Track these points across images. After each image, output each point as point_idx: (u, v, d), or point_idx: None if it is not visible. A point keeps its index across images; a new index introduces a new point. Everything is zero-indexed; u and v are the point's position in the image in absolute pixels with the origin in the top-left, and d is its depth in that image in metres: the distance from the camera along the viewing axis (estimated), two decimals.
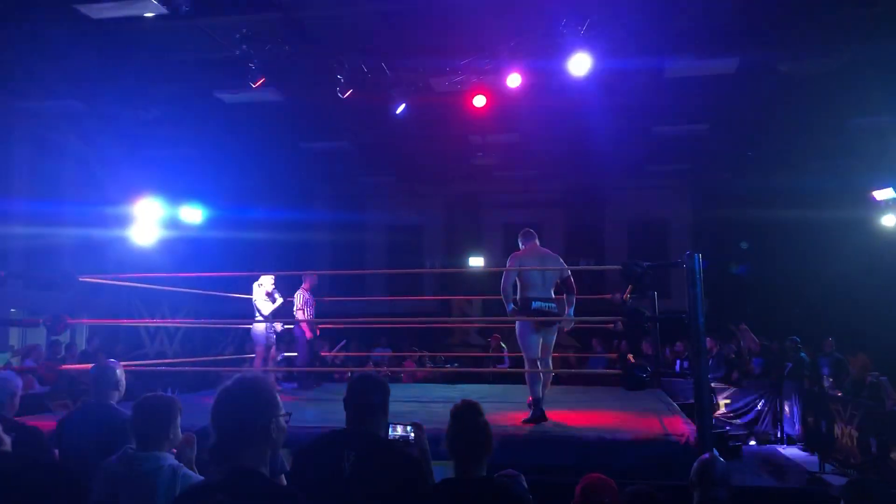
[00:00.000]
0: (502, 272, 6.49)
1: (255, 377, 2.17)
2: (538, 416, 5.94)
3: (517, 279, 6.36)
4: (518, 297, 6.34)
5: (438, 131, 13.11)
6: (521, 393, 7.46)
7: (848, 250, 13.13)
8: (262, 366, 9.01)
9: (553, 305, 6.38)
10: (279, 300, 9.15)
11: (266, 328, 9.02)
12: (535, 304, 6.23)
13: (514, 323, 6.45)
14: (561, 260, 6.63)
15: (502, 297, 6.35)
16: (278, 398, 2.17)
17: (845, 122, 11.98)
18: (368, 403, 2.92)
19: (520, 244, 6.75)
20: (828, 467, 9.02)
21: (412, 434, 3.11)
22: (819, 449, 9.42)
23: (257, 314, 9.04)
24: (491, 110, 10.87)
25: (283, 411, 2.15)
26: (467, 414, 2.88)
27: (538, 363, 6.36)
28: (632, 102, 11.76)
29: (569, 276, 6.54)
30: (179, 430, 3.10)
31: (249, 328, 9.30)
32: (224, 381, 2.15)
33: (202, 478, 2.86)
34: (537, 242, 6.74)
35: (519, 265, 6.40)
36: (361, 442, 2.82)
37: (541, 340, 6.37)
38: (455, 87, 10.45)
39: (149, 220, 12.29)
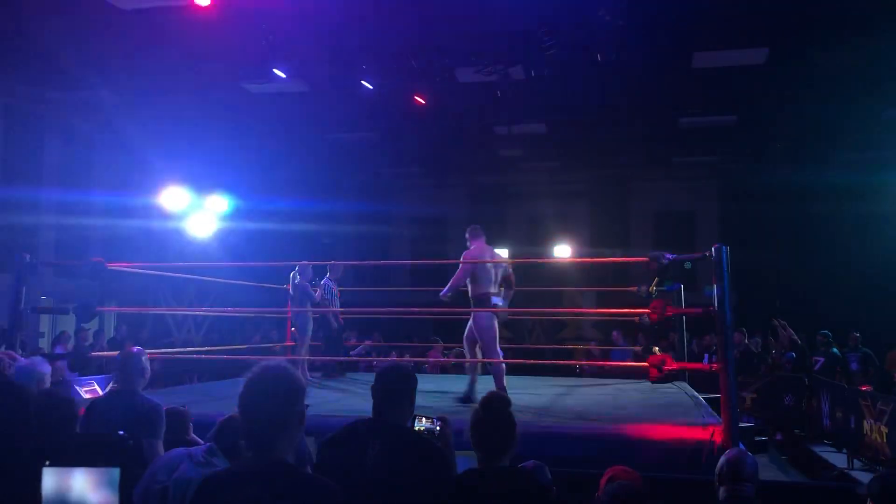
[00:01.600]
0: (513, 264, 6.82)
1: (281, 364, 2.16)
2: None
3: (472, 275, 6.67)
4: (474, 292, 6.66)
5: (464, 122, 13.09)
6: (532, 384, 7.48)
7: (879, 244, 12.93)
8: (305, 354, 9.05)
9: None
10: (318, 290, 9.21)
11: (309, 317, 9.08)
12: (494, 300, 6.62)
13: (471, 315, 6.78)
14: (503, 257, 7.05)
15: (449, 288, 6.75)
16: (304, 385, 2.17)
17: (878, 115, 11.77)
18: (396, 393, 2.92)
19: (470, 243, 6.96)
20: (856, 463, 8.90)
21: (438, 427, 3.11)
22: (847, 445, 9.29)
23: (307, 303, 9.00)
24: (517, 101, 10.83)
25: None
26: (497, 405, 2.88)
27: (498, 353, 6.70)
28: (659, 93, 11.67)
29: (511, 273, 6.89)
30: None
31: (277, 317, 9.33)
32: (250, 369, 2.15)
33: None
34: (484, 241, 6.98)
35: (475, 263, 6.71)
36: (386, 432, 2.82)
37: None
38: (481, 78, 10.42)
39: (180, 210, 12.47)
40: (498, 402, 2.90)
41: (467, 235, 7.02)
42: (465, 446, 2.97)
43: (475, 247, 6.88)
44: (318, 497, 2.01)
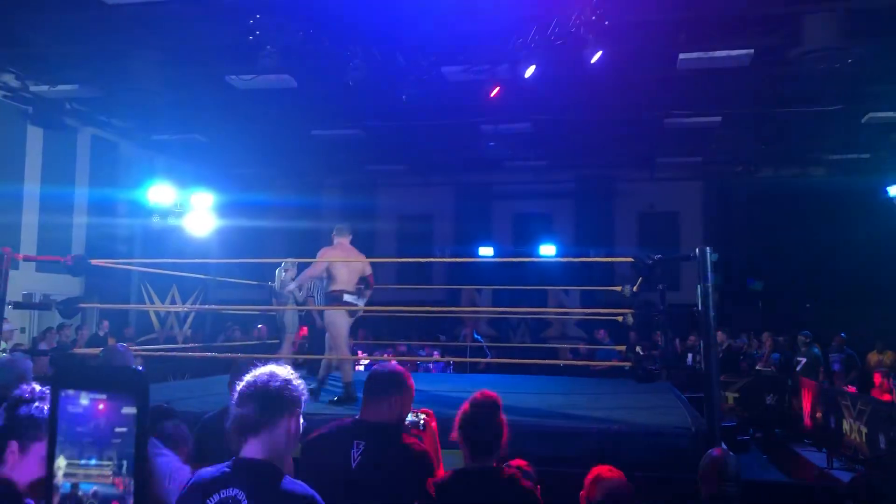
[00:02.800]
0: (511, 262, 6.71)
1: (278, 367, 2.25)
2: (350, 396, 6.46)
3: (325, 273, 7.00)
4: (329, 289, 6.96)
5: (450, 120, 13.08)
6: (517, 383, 7.48)
7: (862, 246, 13.07)
8: (291, 352, 9.03)
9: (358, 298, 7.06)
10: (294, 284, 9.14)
11: (294, 314, 9.04)
12: (347, 297, 6.89)
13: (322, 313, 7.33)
14: (363, 257, 7.22)
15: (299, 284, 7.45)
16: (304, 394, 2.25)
17: (862, 117, 11.88)
18: (383, 393, 2.92)
19: (334, 240, 7.20)
20: (836, 462, 9.00)
21: (422, 421, 3.11)
22: (827, 444, 9.39)
23: (289, 300, 8.98)
24: (503, 100, 10.83)
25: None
26: (486, 406, 2.88)
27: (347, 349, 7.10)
28: (644, 93, 11.70)
29: (370, 274, 7.18)
30: None
31: (258, 313, 9.30)
32: (245, 366, 2.20)
33: None
34: (348, 241, 7.21)
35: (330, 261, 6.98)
36: (372, 432, 2.82)
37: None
38: (468, 76, 10.42)
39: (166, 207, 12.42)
40: (488, 403, 2.90)
41: (333, 233, 7.24)
42: (451, 444, 2.97)
43: (337, 245, 7.14)
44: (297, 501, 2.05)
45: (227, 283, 9.65)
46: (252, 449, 2.10)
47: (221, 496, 1.96)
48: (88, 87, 11.56)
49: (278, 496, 2.02)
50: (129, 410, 1.27)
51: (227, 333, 13.66)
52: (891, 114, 11.65)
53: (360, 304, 7.07)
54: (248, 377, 2.20)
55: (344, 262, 6.95)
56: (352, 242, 7.27)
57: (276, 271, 9.13)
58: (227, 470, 2.08)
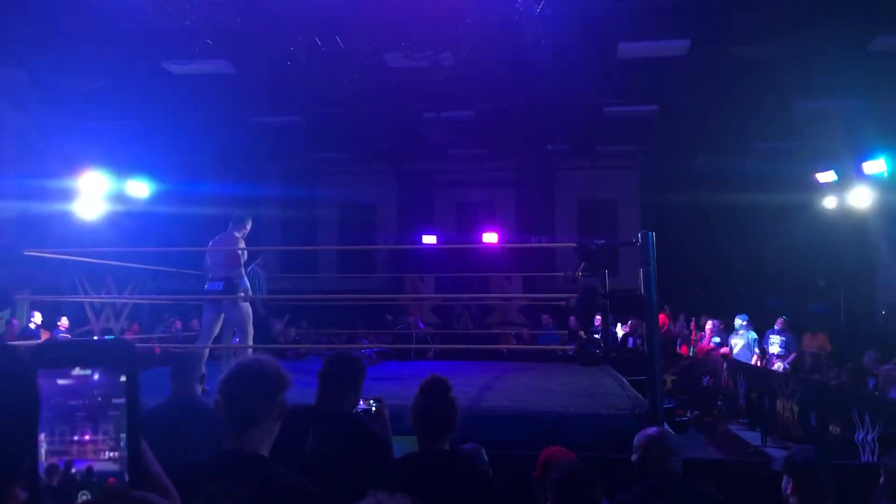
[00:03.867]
0: (454, 249, 6.73)
1: (264, 358, 2.21)
2: None
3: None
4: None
5: (392, 107, 13.01)
6: (462, 369, 7.53)
7: (792, 231, 13.52)
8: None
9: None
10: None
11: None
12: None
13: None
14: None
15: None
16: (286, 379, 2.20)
17: (792, 106, 12.25)
18: (342, 380, 2.92)
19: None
20: (769, 440, 9.32)
21: (374, 407, 3.12)
22: (761, 423, 9.72)
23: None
24: (445, 87, 10.83)
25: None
26: (436, 389, 2.89)
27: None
28: (583, 82, 11.84)
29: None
30: None
31: (200, 305, 9.10)
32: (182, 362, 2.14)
33: None
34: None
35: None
36: (328, 419, 2.81)
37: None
38: (410, 63, 10.37)
39: (94, 194, 12.02)
40: (437, 386, 2.92)
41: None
42: (404, 431, 2.98)
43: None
44: (290, 491, 2.02)
45: (162, 273, 9.42)
46: (242, 440, 2.06)
47: (212, 488, 1.90)
48: (15, 70, 11.12)
49: (272, 487, 1.98)
50: (123, 380, 1.21)
51: (165, 325, 13.38)
52: (820, 103, 12.05)
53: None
54: (236, 367, 2.16)
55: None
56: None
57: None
58: (215, 462, 2.05)
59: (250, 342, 7.06)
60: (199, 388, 3.99)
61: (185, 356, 4.57)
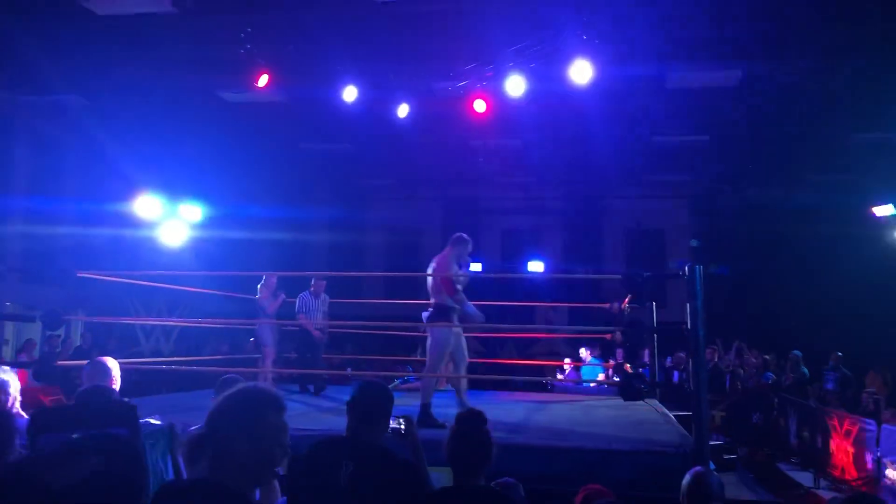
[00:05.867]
0: (499, 278, 6.58)
1: (258, 388, 2.06)
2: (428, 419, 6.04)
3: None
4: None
5: (440, 135, 13.11)
6: (504, 400, 7.46)
7: (847, 266, 13.14)
8: (272, 366, 8.97)
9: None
10: (280, 298, 9.12)
11: (272, 328, 8.98)
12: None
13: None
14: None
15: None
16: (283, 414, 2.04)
17: (847, 138, 11.99)
18: (372, 411, 2.90)
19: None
20: (822, 482, 9.01)
21: (403, 427, 3.08)
22: (814, 464, 9.40)
23: (262, 314, 8.96)
24: (493, 115, 10.88)
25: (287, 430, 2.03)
26: (472, 423, 2.86)
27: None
28: (633, 111, 11.79)
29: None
30: None
31: (249, 328, 9.23)
32: (224, 385, 2.08)
33: None
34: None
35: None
36: (361, 450, 2.79)
37: None
38: (458, 92, 10.46)
39: (149, 218, 12.36)
40: (473, 420, 2.88)
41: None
42: (439, 461, 2.94)
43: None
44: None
45: (212, 296, 9.57)
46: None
47: None
48: (75, 97, 11.51)
49: None
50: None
51: (213, 347, 13.55)
52: (876, 134, 11.77)
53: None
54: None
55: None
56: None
57: (258, 286, 9.09)
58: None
59: (438, 370, 6.58)
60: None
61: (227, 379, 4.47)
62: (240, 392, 2.01)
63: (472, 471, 2.78)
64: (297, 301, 8.98)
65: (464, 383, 6.80)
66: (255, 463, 1.93)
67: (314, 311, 9.04)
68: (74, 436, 1.19)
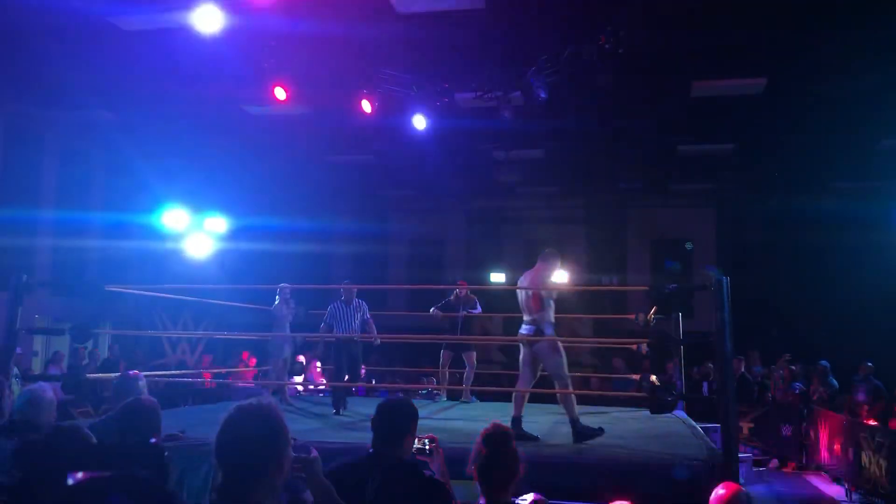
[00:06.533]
0: (524, 289, 6.48)
1: (260, 404, 1.98)
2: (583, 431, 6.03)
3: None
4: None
5: (462, 146, 13.12)
6: (530, 411, 7.38)
7: (875, 274, 12.92)
8: (278, 378, 8.93)
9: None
10: (292, 307, 9.02)
11: (283, 339, 8.91)
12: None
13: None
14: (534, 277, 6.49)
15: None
16: (286, 426, 1.99)
17: (875, 145, 11.82)
18: (396, 427, 2.89)
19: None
20: (855, 496, 8.84)
21: (429, 446, 3.05)
22: (845, 477, 9.24)
23: (275, 323, 8.92)
24: (515, 126, 10.87)
25: (290, 441, 1.99)
26: (499, 440, 2.84)
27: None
28: (658, 121, 11.72)
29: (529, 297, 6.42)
30: None
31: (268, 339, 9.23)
32: (234, 402, 2.03)
33: None
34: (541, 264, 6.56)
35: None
36: (386, 466, 2.78)
37: None
38: (480, 103, 10.47)
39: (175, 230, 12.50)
40: (501, 437, 2.85)
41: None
42: (464, 475, 2.91)
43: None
44: None
45: (237, 307, 9.63)
46: None
47: None
48: (103, 112, 11.68)
49: None
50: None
51: (237, 359, 13.62)
52: None
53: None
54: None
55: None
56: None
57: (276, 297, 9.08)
58: None
59: (568, 387, 6.41)
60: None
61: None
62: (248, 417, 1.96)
63: (498, 488, 2.75)
64: (326, 313, 8.74)
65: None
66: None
67: (347, 319, 8.52)
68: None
